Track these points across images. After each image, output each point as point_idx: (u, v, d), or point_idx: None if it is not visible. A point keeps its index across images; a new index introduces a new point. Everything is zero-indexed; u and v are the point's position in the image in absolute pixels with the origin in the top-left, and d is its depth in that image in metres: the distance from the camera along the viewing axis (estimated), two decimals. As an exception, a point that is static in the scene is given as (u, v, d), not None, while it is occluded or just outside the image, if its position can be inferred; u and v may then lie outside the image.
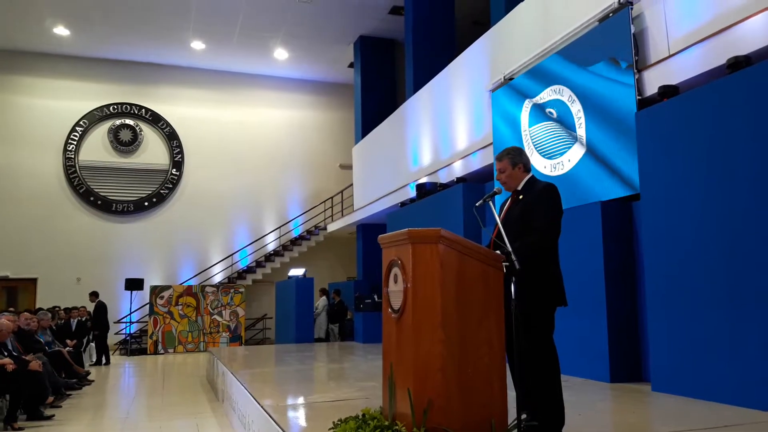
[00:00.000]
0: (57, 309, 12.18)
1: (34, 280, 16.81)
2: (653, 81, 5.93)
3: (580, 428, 3.61)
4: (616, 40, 6.36)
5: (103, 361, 13.07)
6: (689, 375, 4.80)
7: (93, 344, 13.30)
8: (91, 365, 13.04)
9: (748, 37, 5.04)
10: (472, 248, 2.94)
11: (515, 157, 3.43)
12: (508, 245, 2.91)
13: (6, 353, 6.48)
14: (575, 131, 6.94)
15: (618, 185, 6.23)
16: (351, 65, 17.78)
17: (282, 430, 3.64)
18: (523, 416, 2.75)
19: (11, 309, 11.49)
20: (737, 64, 4.85)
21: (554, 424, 3.11)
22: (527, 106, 7.90)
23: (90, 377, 9.43)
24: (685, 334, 4.87)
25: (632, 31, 6.15)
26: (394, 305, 2.99)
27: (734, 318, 4.47)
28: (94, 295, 13.56)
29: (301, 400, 5.30)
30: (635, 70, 6.08)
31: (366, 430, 2.84)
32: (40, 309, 11.18)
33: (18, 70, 17.29)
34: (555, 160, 7.33)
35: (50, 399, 6.69)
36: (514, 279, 2.86)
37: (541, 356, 3.13)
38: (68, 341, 9.88)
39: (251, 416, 4.79)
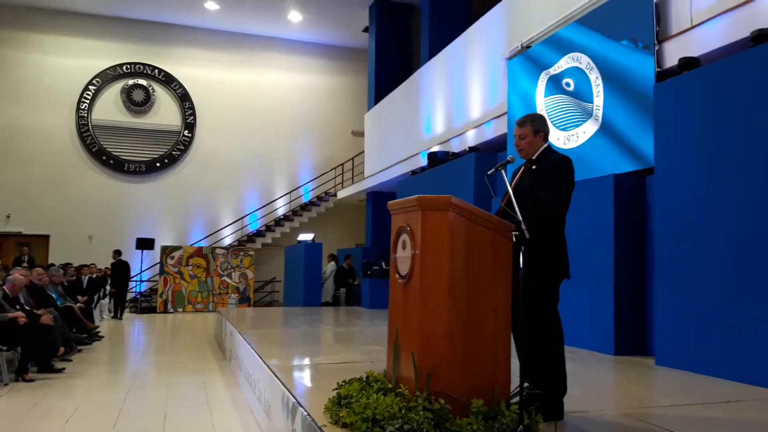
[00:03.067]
0: (70, 265, 12.32)
1: (46, 237, 17.00)
2: (674, 52, 5.80)
3: (583, 397, 3.64)
4: (637, 10, 6.21)
5: (118, 314, 13.59)
6: (693, 350, 4.80)
7: (104, 301, 13.53)
8: (110, 317, 13.37)
9: (774, 10, 4.91)
10: (482, 216, 2.92)
11: (538, 124, 3.38)
12: (519, 214, 2.88)
13: (18, 307, 6.59)
14: (592, 101, 6.83)
15: (632, 159, 6.16)
16: (366, 30, 17.54)
17: (287, 389, 3.69)
18: (526, 384, 2.77)
19: (25, 265, 11.65)
20: (761, 36, 4.72)
21: (556, 393, 3.14)
22: (543, 78, 7.77)
23: (100, 333, 9.58)
24: (691, 310, 4.86)
25: (654, 1, 6.00)
26: (402, 271, 2.98)
27: (740, 296, 4.44)
28: (117, 252, 13.87)
29: (306, 361, 5.36)
30: (656, 41, 5.94)
31: (369, 391, 2.86)
32: (52, 265, 11.33)
33: (31, 26, 17.20)
34: (569, 132, 7.23)
35: (61, 350, 6.80)
36: (522, 249, 2.84)
37: (545, 326, 3.14)
38: (79, 297, 10.01)
39: (257, 375, 4.86)
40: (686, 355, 4.86)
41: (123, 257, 14.11)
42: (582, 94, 7.04)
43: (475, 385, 2.78)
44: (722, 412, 3.58)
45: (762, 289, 4.30)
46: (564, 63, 7.38)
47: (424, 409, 2.59)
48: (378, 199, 15.57)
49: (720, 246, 4.66)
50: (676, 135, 5.17)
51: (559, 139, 7.37)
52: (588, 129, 6.89)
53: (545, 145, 3.39)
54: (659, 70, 5.89)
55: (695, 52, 5.58)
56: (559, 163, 3.28)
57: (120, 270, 13.78)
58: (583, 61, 7.00)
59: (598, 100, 6.72)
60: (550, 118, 7.56)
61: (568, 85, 7.30)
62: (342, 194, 17.54)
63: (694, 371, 4.74)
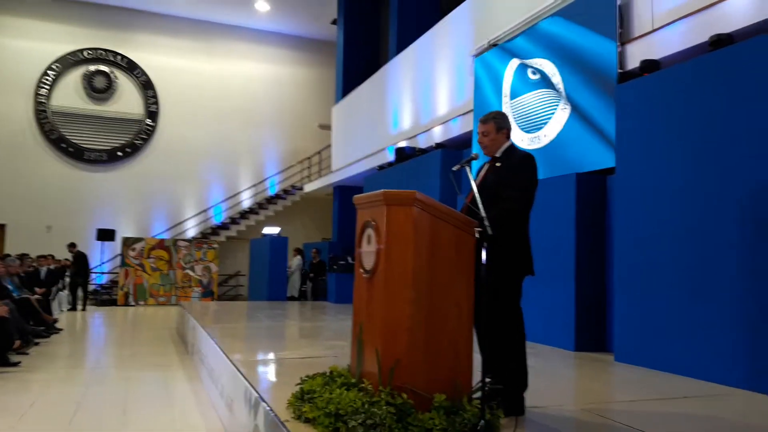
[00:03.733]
0: (27, 256, 11.98)
1: (2, 226, 16.51)
2: (636, 54, 5.93)
3: (543, 393, 3.70)
4: (602, 11, 6.31)
5: (78, 307, 13.33)
6: (651, 347, 4.93)
7: (63, 293, 13.22)
8: (68, 309, 13.05)
9: (731, 15, 5.04)
10: (446, 212, 2.94)
11: (500, 121, 3.41)
12: (482, 211, 2.91)
13: (-29, 298, 6.40)
14: (558, 103, 6.93)
15: (595, 158, 6.27)
16: (334, 22, 17.44)
17: (250, 384, 3.67)
18: (488, 379, 2.80)
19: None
20: (719, 41, 4.86)
21: (517, 388, 3.18)
22: (509, 72, 7.84)
23: (59, 326, 9.36)
24: (650, 308, 4.98)
25: (618, 3, 6.11)
26: (366, 265, 2.99)
27: (697, 295, 4.57)
28: (72, 245, 13.59)
29: (270, 356, 5.34)
30: (618, 43, 6.06)
31: (333, 386, 2.86)
32: (8, 255, 11.01)
33: (-12, 8, 16.64)
34: (533, 135, 7.32)
35: (17, 343, 6.63)
36: (485, 245, 2.87)
37: (507, 322, 3.18)
38: (37, 289, 9.76)
39: (220, 370, 4.82)
40: (644, 351, 4.99)
41: (82, 249, 13.81)
42: (546, 94, 7.11)
43: (438, 379, 2.81)
44: (679, 407, 3.67)
45: (717, 287, 4.43)
46: (530, 62, 7.46)
47: (386, 404, 2.60)
48: (345, 193, 15.54)
49: (677, 246, 4.78)
50: (637, 136, 5.29)
51: (523, 140, 7.46)
52: (551, 131, 6.98)
53: (508, 143, 3.43)
54: (621, 71, 6.01)
55: (656, 54, 5.71)
56: (523, 160, 3.33)
57: (82, 261, 13.50)
58: (548, 62, 7.09)
59: (563, 102, 6.82)
60: (516, 119, 7.64)
61: (534, 73, 7.35)
62: (309, 188, 17.45)
63: (652, 368, 4.86)
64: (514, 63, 7.77)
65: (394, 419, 2.57)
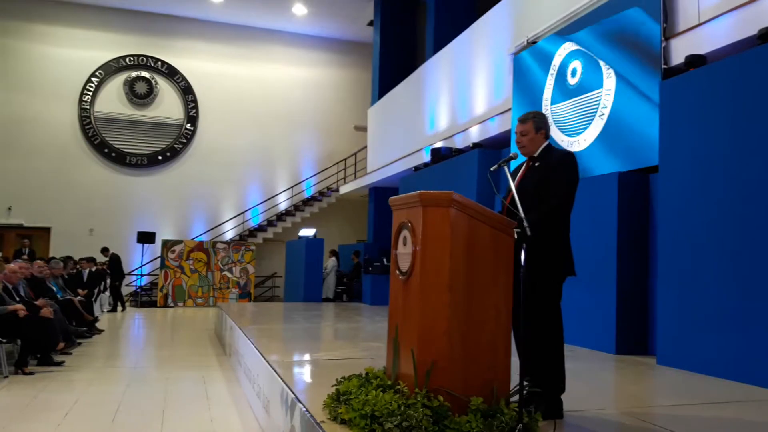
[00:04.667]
0: (71, 259, 12.31)
1: (47, 230, 17.00)
2: (680, 50, 5.75)
3: (583, 396, 3.61)
4: (645, 6, 6.15)
5: (119, 308, 13.85)
6: (694, 350, 4.77)
7: (104, 294, 13.56)
8: (108, 311, 13.43)
9: (782, 7, 4.86)
10: (484, 213, 2.89)
11: (539, 121, 3.35)
12: (521, 212, 2.85)
13: (18, 299, 6.58)
14: (599, 102, 6.78)
15: (637, 157, 6.11)
16: (371, 23, 17.48)
17: (286, 385, 3.67)
18: (525, 382, 2.74)
19: (25, 257, 11.64)
20: (769, 34, 4.68)
21: (555, 392, 3.11)
22: (552, 73, 7.70)
23: (100, 327, 9.57)
24: (693, 309, 4.82)
25: (662, -2, 5.96)
26: (402, 267, 2.96)
27: (742, 296, 4.41)
28: (105, 250, 14.19)
29: (306, 357, 5.35)
30: (663, 38, 5.89)
31: (368, 388, 2.83)
32: (53, 258, 11.31)
33: (34, 17, 17.17)
34: (573, 138, 7.18)
35: (61, 345, 6.79)
36: (524, 246, 2.81)
37: (547, 325, 3.12)
38: (79, 290, 10.00)
39: (257, 371, 4.84)
40: (687, 354, 4.83)
41: (123, 251, 14.31)
42: (588, 83, 6.94)
43: (475, 382, 2.75)
44: (722, 412, 3.55)
45: (763, 289, 4.26)
46: (570, 60, 7.32)
47: (423, 406, 2.56)
48: (380, 194, 15.53)
49: (722, 246, 4.62)
50: (682, 133, 5.13)
51: (562, 141, 7.32)
52: (592, 133, 6.83)
53: (546, 143, 3.36)
54: (666, 67, 5.84)
55: (702, 49, 5.53)
56: (563, 159, 3.26)
57: (118, 264, 13.95)
58: (591, 59, 6.94)
59: (606, 99, 6.66)
60: (555, 122, 7.49)
61: (574, 73, 7.20)
62: (344, 189, 17.50)
63: (695, 371, 4.71)
64: (556, 60, 7.64)
65: (431, 422, 2.53)
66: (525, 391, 2.67)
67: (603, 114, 6.65)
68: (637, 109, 6.13)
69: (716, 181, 4.75)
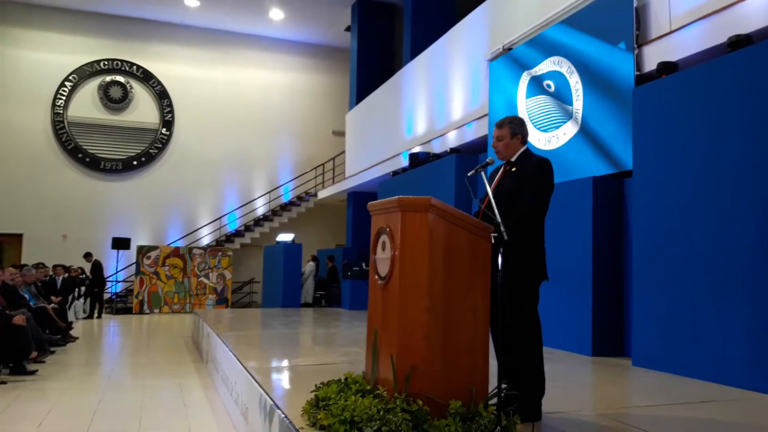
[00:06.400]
0: (42, 265, 12.08)
1: (19, 236, 16.67)
2: (653, 57, 5.86)
3: (561, 398, 3.65)
4: (618, 13, 6.26)
5: (95, 315, 13.69)
6: (669, 351, 4.85)
7: (78, 301, 13.33)
8: (84, 318, 13.22)
9: (750, 16, 4.98)
10: (462, 218, 2.91)
11: (516, 127, 3.38)
12: (498, 216, 2.88)
13: (-11, 307, 6.44)
14: (572, 104, 6.88)
15: (610, 162, 6.20)
16: (348, 29, 17.49)
17: (264, 391, 3.65)
18: (504, 385, 2.76)
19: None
20: (738, 42, 4.79)
21: (534, 394, 3.14)
22: (525, 78, 7.81)
23: (75, 334, 9.41)
24: (668, 312, 4.90)
25: (635, 5, 6.06)
26: (381, 272, 2.96)
27: (716, 298, 4.50)
28: (88, 255, 13.88)
29: (285, 363, 5.32)
30: (635, 45, 6.00)
31: (348, 393, 2.83)
32: (25, 265, 11.10)
33: (7, 21, 16.87)
34: (549, 133, 7.27)
35: (34, 354, 6.66)
36: (501, 250, 2.84)
37: (524, 328, 3.15)
38: (53, 297, 9.83)
39: (235, 378, 4.80)
40: (663, 356, 4.91)
41: (98, 257, 14.04)
42: (562, 96, 7.08)
43: (454, 386, 2.77)
44: (697, 412, 3.61)
45: (736, 291, 4.35)
46: (545, 66, 7.42)
47: (402, 411, 2.57)
48: (359, 199, 15.53)
49: (696, 249, 4.71)
50: (654, 138, 5.22)
51: (539, 140, 7.41)
52: (568, 130, 6.93)
53: (523, 148, 3.39)
54: (638, 73, 5.95)
55: (674, 56, 5.64)
56: (539, 165, 3.29)
57: (99, 270, 13.74)
58: (564, 65, 7.04)
59: (578, 104, 6.77)
60: (531, 119, 7.59)
61: (548, 87, 7.33)
62: (322, 194, 17.47)
63: (670, 372, 4.79)
64: (529, 68, 7.72)
65: (410, 426, 2.53)
66: (503, 394, 2.69)
67: (578, 111, 6.74)
68: (609, 113, 6.23)
69: (688, 185, 4.84)
